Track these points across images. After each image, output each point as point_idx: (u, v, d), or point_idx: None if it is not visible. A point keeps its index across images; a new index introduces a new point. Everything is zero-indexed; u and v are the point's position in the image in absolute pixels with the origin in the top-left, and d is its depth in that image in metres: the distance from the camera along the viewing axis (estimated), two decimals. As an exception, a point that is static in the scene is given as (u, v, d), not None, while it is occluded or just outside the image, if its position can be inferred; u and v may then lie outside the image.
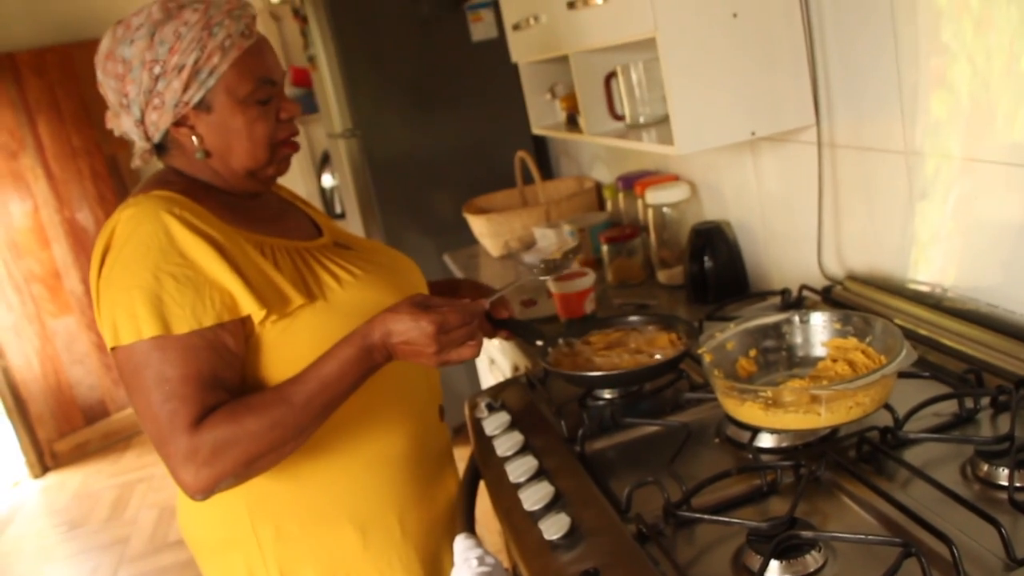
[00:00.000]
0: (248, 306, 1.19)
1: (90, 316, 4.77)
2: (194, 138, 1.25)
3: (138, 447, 4.77)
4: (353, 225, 3.75)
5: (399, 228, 3.46)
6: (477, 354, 1.22)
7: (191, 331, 1.14)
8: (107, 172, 4.84)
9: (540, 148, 3.54)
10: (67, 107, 4.67)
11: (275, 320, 1.22)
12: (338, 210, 4.59)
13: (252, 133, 1.26)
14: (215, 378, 1.15)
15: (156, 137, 1.26)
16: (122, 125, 1.28)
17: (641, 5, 1.52)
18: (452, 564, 1.30)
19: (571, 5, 1.81)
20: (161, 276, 1.15)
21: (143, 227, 1.18)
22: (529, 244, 2.88)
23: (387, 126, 3.40)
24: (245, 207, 1.33)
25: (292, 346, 1.24)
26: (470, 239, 3.14)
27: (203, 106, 1.23)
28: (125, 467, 4.55)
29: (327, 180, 4.77)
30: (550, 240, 2.76)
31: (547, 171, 3.56)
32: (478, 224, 2.95)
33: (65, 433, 4.74)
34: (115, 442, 4.86)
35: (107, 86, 1.26)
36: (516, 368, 2.22)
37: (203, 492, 1.12)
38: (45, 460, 4.68)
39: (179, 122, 1.24)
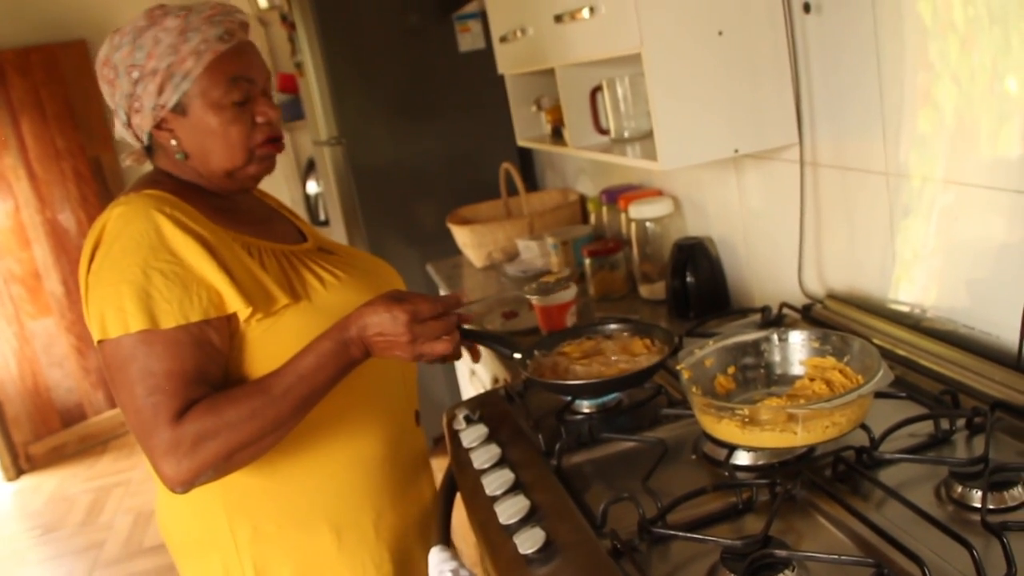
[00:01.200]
0: (234, 303, 1.21)
1: (70, 318, 4.74)
2: (173, 140, 1.29)
3: (115, 451, 4.73)
4: (337, 233, 3.74)
5: (383, 237, 3.45)
6: (452, 350, 1.24)
7: (177, 326, 1.16)
8: (90, 174, 4.81)
9: (525, 160, 3.55)
10: (51, 108, 4.64)
11: (260, 319, 1.25)
12: (322, 217, 4.58)
13: (227, 135, 1.29)
14: (199, 373, 1.17)
15: (144, 139, 1.32)
16: (117, 128, 1.33)
17: (627, 21, 1.53)
18: (425, 568, 1.31)
19: (558, 19, 1.82)
20: (150, 272, 1.17)
21: (133, 224, 1.21)
22: (512, 255, 2.89)
23: (373, 134, 3.40)
24: (233, 209, 1.37)
25: (275, 345, 1.26)
26: (453, 249, 3.13)
27: (179, 109, 1.27)
28: (101, 471, 4.51)
29: (311, 187, 4.76)
30: (533, 252, 2.76)
31: (532, 183, 3.56)
32: (462, 234, 2.95)
33: (41, 436, 4.70)
34: (92, 446, 4.82)
35: (104, 92, 1.31)
36: (496, 380, 2.22)
37: (183, 485, 1.13)
38: (20, 463, 4.63)
39: (158, 125, 1.29)
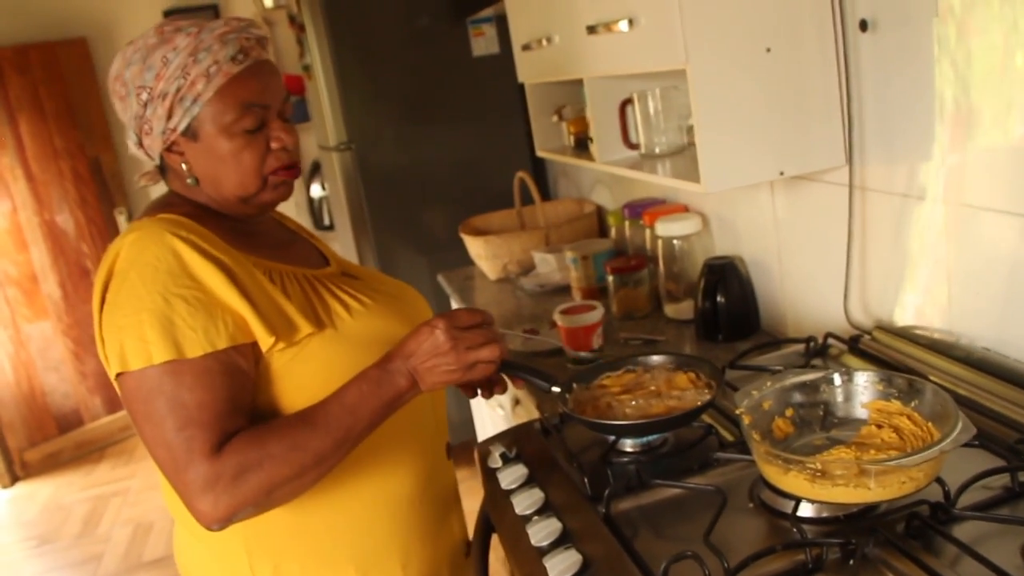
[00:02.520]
0: (257, 332, 1.16)
1: (67, 322, 4.65)
2: (183, 164, 1.24)
3: (113, 458, 4.64)
4: (344, 240, 3.67)
5: (391, 245, 3.38)
6: (499, 354, 1.18)
7: (204, 354, 1.10)
8: (89, 174, 4.71)
9: (538, 168, 3.47)
10: (50, 107, 4.55)
11: (283, 348, 1.19)
12: (326, 222, 4.50)
13: (239, 162, 1.23)
14: (233, 403, 1.12)
15: (155, 160, 1.27)
16: (130, 147, 1.28)
17: (671, 36, 1.46)
18: None
19: (591, 30, 1.74)
20: (171, 299, 1.11)
21: (149, 250, 1.15)
22: (528, 268, 2.81)
23: (383, 140, 3.32)
24: (252, 232, 1.31)
25: (301, 375, 1.20)
26: (464, 259, 3.06)
27: (189, 133, 1.21)
28: (99, 479, 4.42)
29: (316, 190, 4.67)
30: (550, 265, 2.69)
31: (545, 192, 3.49)
32: (475, 245, 2.87)
33: (37, 442, 4.60)
34: (89, 452, 4.73)
35: (116, 106, 1.25)
36: (517, 402, 2.15)
37: (220, 522, 1.07)
38: (15, 469, 4.53)
39: (169, 148, 1.24)
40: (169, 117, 1.19)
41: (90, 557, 3.63)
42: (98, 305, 1.18)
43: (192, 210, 1.25)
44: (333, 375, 1.19)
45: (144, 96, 1.19)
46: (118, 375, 1.12)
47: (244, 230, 1.29)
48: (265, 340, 1.16)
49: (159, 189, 1.34)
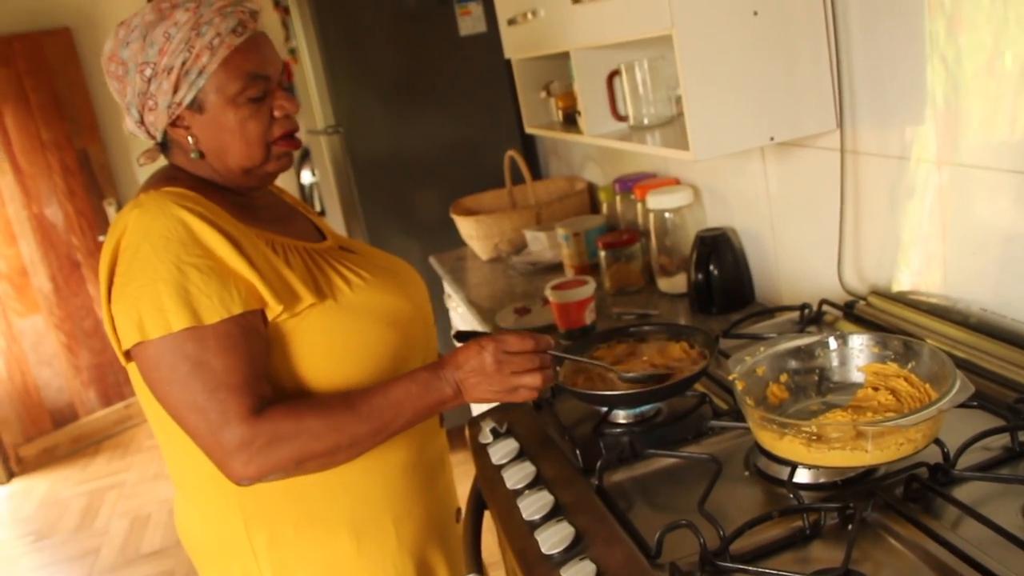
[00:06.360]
0: (267, 298, 1.19)
1: (59, 315, 4.62)
2: (189, 138, 1.25)
3: (109, 452, 4.62)
4: (335, 224, 3.64)
5: (383, 228, 3.35)
6: (543, 384, 1.21)
7: (221, 320, 1.13)
8: (77, 167, 4.67)
9: (528, 147, 3.44)
10: (36, 98, 4.50)
11: (285, 318, 1.21)
12: (317, 208, 4.46)
13: (245, 132, 1.24)
14: (258, 365, 1.16)
15: (158, 136, 1.27)
16: (128, 125, 1.28)
17: (657, 1, 1.42)
18: (444, 572, 1.29)
19: (576, -1, 1.71)
20: (184, 268, 1.13)
21: (157, 222, 1.16)
22: (520, 247, 2.78)
23: (371, 122, 3.28)
24: (253, 206, 1.33)
25: (300, 345, 1.23)
26: (456, 240, 3.03)
27: (195, 106, 1.23)
28: (95, 473, 4.39)
29: (306, 177, 4.63)
30: (542, 243, 2.66)
31: (535, 171, 3.46)
32: (466, 226, 2.84)
33: (32, 437, 4.58)
34: (85, 446, 4.71)
35: (112, 87, 1.26)
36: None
37: (251, 480, 1.12)
38: (10, 465, 4.51)
39: (174, 123, 1.24)
40: (175, 91, 1.20)
41: (88, 551, 3.62)
42: (106, 280, 1.19)
43: (195, 183, 1.26)
44: (333, 345, 1.24)
45: (148, 72, 1.19)
46: (137, 344, 1.13)
47: (246, 203, 1.31)
48: (274, 307, 1.19)
49: (151, 171, 1.34)
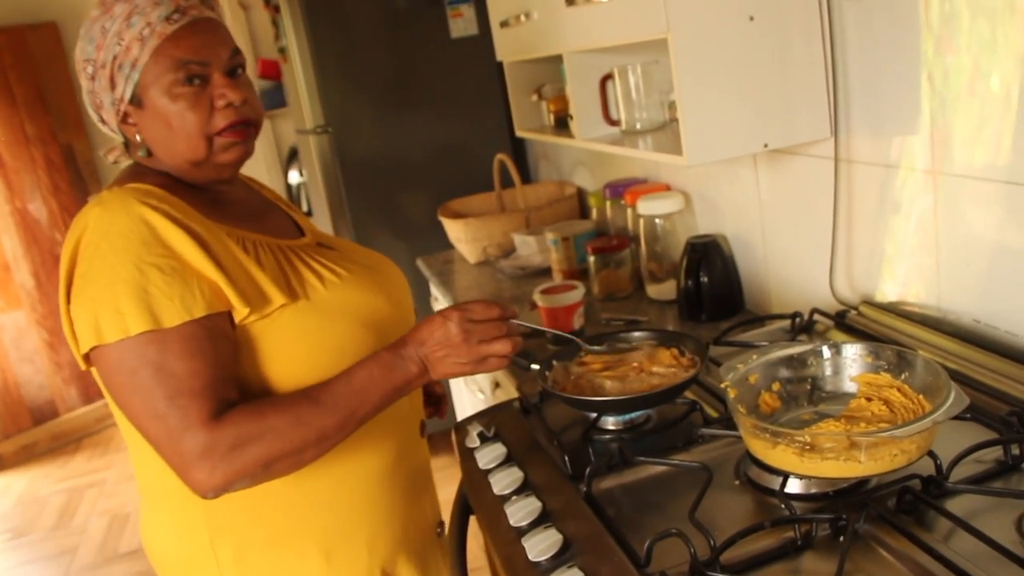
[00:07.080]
0: (232, 301, 1.13)
1: (41, 312, 4.57)
2: (137, 136, 1.21)
3: (88, 450, 4.57)
4: (322, 225, 3.61)
5: (370, 229, 3.32)
6: (512, 350, 1.17)
7: (183, 322, 1.07)
8: (62, 162, 4.63)
9: (518, 150, 3.43)
10: (20, 92, 4.45)
11: (254, 320, 1.16)
12: (305, 208, 4.44)
13: (184, 124, 1.18)
14: (223, 369, 1.10)
15: (118, 133, 1.23)
16: (97, 123, 1.25)
17: (652, 4, 1.41)
18: None
19: (570, 2, 1.70)
20: (145, 268, 1.08)
21: (119, 220, 1.11)
22: (508, 251, 2.77)
23: (360, 123, 3.26)
24: (224, 201, 1.27)
25: (272, 346, 1.18)
26: (444, 243, 3.02)
27: (135, 101, 1.18)
28: (74, 471, 4.34)
29: (294, 177, 4.60)
30: (531, 247, 2.65)
31: (525, 175, 3.45)
32: (455, 229, 2.83)
33: (11, 434, 4.52)
34: (64, 444, 4.65)
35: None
36: (497, 385, 2.11)
37: (216, 490, 1.05)
38: (-11, 462, 4.46)
39: (124, 120, 1.21)
40: (113, 87, 1.17)
41: (65, 549, 3.57)
42: (65, 281, 1.14)
43: (163, 180, 1.21)
44: (304, 347, 1.18)
45: (90, 70, 1.17)
46: (95, 349, 1.08)
47: (215, 199, 1.26)
48: (240, 310, 1.13)
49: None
